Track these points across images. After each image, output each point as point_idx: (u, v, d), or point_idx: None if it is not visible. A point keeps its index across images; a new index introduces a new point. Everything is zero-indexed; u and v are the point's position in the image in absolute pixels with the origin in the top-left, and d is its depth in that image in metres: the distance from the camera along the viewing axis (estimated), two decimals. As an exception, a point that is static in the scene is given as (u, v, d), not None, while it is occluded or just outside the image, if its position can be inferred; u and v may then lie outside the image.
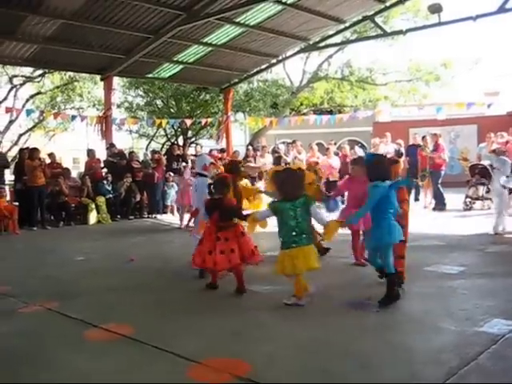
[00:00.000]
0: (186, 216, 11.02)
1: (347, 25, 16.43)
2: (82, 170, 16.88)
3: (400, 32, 16.35)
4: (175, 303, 5.44)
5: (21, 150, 14.07)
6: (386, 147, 14.94)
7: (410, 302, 5.22)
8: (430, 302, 5.23)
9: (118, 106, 23.82)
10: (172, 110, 23.88)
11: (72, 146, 36.09)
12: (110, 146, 15.39)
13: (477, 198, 13.08)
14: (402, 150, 14.52)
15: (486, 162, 13.47)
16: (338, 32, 16.95)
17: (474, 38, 63.68)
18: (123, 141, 25.41)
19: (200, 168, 7.46)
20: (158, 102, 24.61)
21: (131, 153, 16.09)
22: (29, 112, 18.66)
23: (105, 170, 14.82)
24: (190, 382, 3.48)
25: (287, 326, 4.57)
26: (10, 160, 16.59)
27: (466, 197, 13.11)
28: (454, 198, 13.20)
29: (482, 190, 13.01)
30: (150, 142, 27.44)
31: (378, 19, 16.28)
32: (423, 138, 14.22)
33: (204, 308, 5.21)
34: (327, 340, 4.16)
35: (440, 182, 13.33)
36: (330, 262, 7.09)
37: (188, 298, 5.61)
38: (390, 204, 5.10)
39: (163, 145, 26.37)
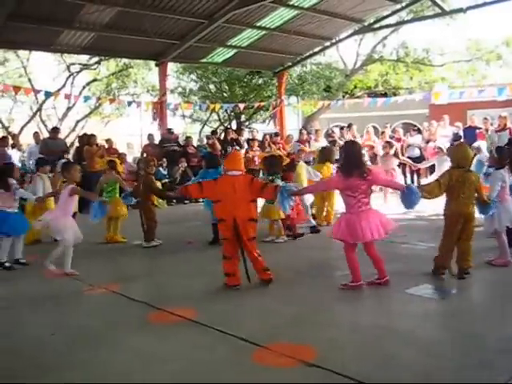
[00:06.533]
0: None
1: (403, 4, 15.97)
2: (136, 155, 17.18)
3: (460, 10, 15.70)
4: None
5: (80, 137, 14.42)
6: (444, 130, 14.54)
7: (473, 290, 5.10)
8: (494, 290, 5.08)
9: (172, 92, 24.08)
10: (225, 95, 23.97)
11: (125, 131, 36.77)
12: (168, 131, 15.62)
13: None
14: (461, 132, 14.13)
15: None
16: (393, 12, 16.52)
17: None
18: (177, 125, 25.71)
19: None
20: (211, 86, 24.73)
21: (188, 138, 16.34)
22: (86, 98, 19.15)
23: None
24: (256, 366, 3.48)
25: (349, 310, 4.54)
26: (68, 146, 17.04)
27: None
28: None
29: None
30: (203, 127, 27.65)
31: (436, -3, 15.74)
32: (485, 119, 13.74)
33: (264, 292, 5.22)
34: (390, 326, 4.11)
35: None
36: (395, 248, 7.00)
37: (248, 283, 5.62)
38: None
39: (216, 129, 26.54)
